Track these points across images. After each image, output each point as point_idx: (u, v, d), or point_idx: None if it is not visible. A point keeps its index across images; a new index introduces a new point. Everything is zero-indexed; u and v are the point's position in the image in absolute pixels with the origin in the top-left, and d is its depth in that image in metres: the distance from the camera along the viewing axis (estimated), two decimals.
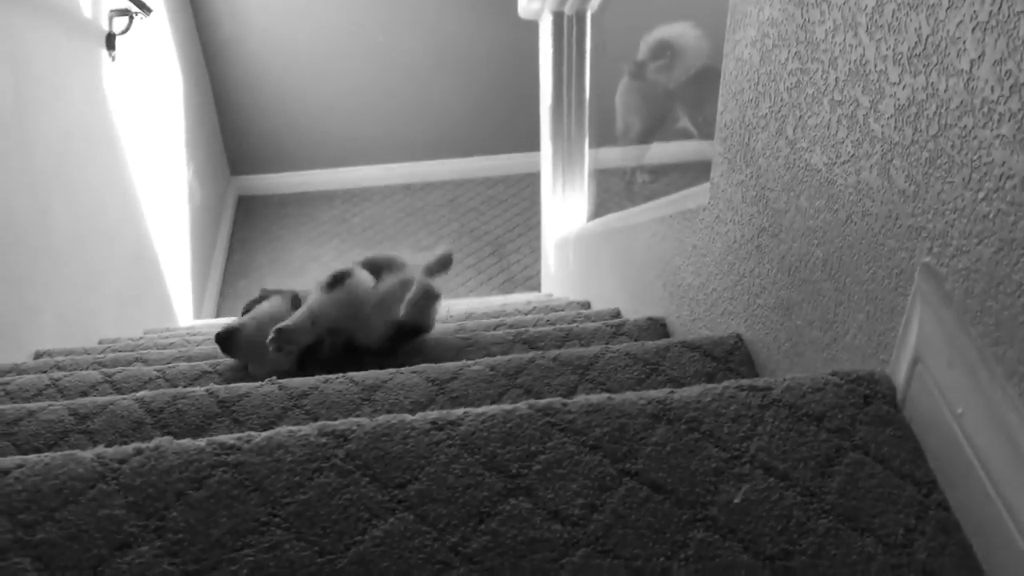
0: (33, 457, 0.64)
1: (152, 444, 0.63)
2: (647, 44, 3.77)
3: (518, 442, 0.64)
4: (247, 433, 0.65)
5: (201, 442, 0.64)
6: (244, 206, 4.66)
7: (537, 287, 3.99)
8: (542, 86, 2.99)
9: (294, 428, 0.66)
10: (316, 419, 0.97)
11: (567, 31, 2.60)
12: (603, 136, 3.31)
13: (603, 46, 2.79)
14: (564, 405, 0.67)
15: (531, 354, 1.05)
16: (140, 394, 1.02)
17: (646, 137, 4.05)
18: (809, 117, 0.85)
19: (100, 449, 0.64)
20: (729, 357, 1.04)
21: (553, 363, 1.03)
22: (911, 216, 0.69)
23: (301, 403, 0.99)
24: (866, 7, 0.74)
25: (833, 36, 0.80)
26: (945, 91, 0.64)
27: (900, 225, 0.71)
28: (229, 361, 1.42)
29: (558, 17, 2.59)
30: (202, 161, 4.02)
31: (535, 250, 4.19)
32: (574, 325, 1.50)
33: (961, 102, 0.62)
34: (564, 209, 2.93)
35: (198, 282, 3.77)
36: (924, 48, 0.67)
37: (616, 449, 0.64)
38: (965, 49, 0.62)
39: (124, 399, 1.01)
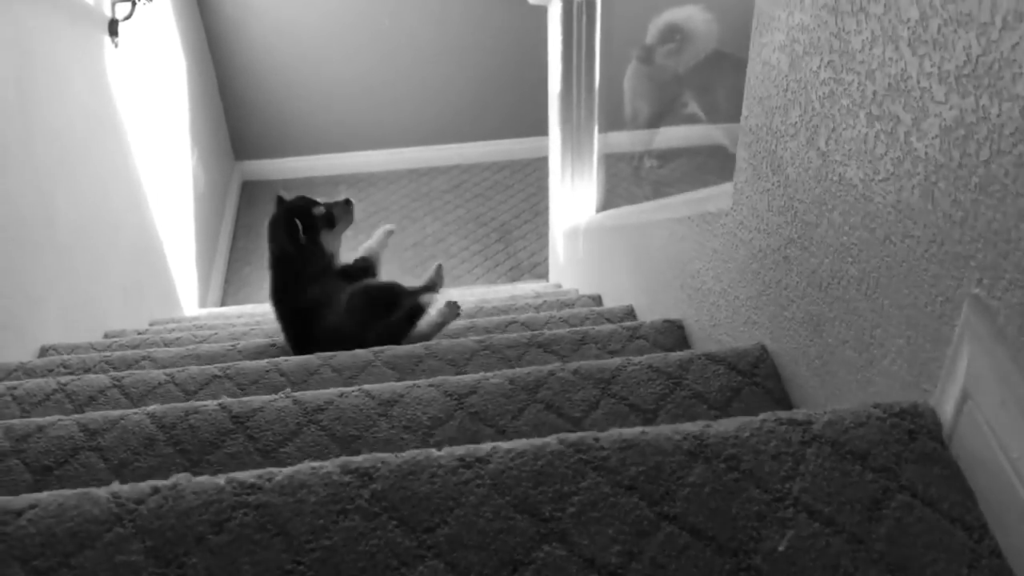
0: (46, 496, 0.61)
1: (170, 482, 0.61)
2: (656, 28, 3.72)
3: (550, 481, 0.62)
4: (268, 470, 0.62)
5: (221, 480, 0.61)
6: (248, 191, 4.63)
7: (544, 275, 3.96)
8: (551, 73, 2.95)
9: (316, 465, 0.63)
10: (333, 436, 0.95)
11: (577, 17, 2.55)
12: (611, 121, 3.27)
13: (613, 32, 2.75)
14: (596, 440, 0.64)
15: (550, 366, 1.03)
16: (151, 408, 0.99)
17: (654, 122, 4.01)
18: (844, 129, 0.81)
19: (116, 487, 0.62)
20: (754, 370, 1.01)
21: (574, 376, 1.01)
22: (958, 243, 0.66)
23: (316, 418, 0.96)
24: (908, 20, 0.71)
25: (871, 48, 0.77)
26: (998, 116, 0.61)
27: (945, 251, 0.68)
28: (240, 364, 1.39)
29: (568, 3, 2.54)
30: (206, 147, 3.99)
31: (541, 236, 4.15)
32: (589, 327, 1.47)
33: (1016, 128, 0.59)
34: (573, 198, 2.89)
35: (203, 270, 3.75)
36: (974, 68, 0.63)
37: (653, 490, 0.61)
38: (1022, 73, 0.58)
39: (135, 413, 0.98)
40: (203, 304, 3.68)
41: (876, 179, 0.76)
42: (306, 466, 0.63)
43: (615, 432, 0.66)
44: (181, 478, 0.61)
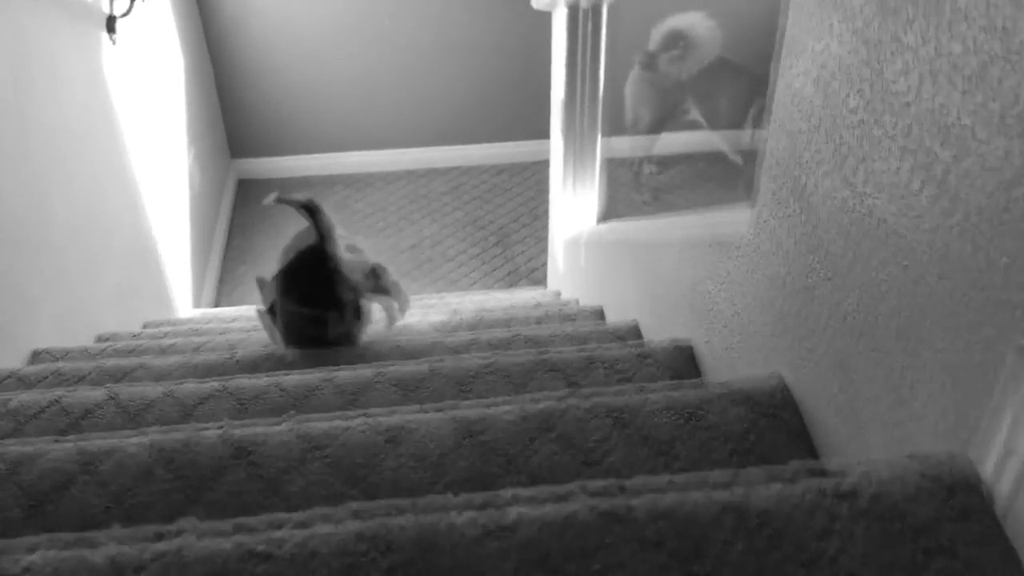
0: (39, 559, 0.58)
1: (175, 546, 0.58)
2: (659, 33, 3.70)
3: (582, 555, 0.58)
4: (278, 535, 0.59)
5: (227, 543, 0.58)
6: (244, 190, 4.59)
7: (542, 280, 3.93)
8: (554, 80, 2.92)
9: (329, 531, 0.59)
10: (338, 471, 0.91)
11: (582, 24, 2.52)
12: (613, 126, 3.24)
13: (618, 39, 2.71)
14: (630, 510, 0.61)
15: (565, 399, 1.00)
16: (150, 437, 0.96)
17: (655, 128, 3.99)
18: (875, 162, 0.78)
19: (115, 549, 0.58)
20: (772, 402, 0.99)
21: (588, 411, 0.98)
22: (1002, 290, 0.63)
23: (321, 452, 0.93)
24: (950, 54, 0.68)
25: (906, 79, 0.74)
26: None
27: (987, 297, 0.65)
28: (237, 382, 1.36)
29: (573, 10, 2.51)
30: (202, 144, 3.95)
31: (540, 241, 4.12)
32: (596, 348, 1.44)
33: None
34: (575, 206, 2.86)
35: (197, 269, 3.71)
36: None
37: (697, 571, 0.58)
38: None
39: (133, 441, 0.95)
40: (197, 304, 3.64)
41: (910, 215, 0.73)
42: (320, 530, 0.60)
43: (648, 498, 0.63)
44: (186, 542, 0.58)
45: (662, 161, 4.35)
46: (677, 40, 3.65)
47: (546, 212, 4.26)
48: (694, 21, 3.60)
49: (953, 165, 0.69)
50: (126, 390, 1.34)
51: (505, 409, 1.01)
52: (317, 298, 1.79)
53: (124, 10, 2.82)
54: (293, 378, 1.37)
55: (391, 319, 1.97)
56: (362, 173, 4.63)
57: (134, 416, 1.29)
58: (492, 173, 4.58)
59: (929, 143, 0.71)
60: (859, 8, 0.81)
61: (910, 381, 0.75)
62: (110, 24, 2.77)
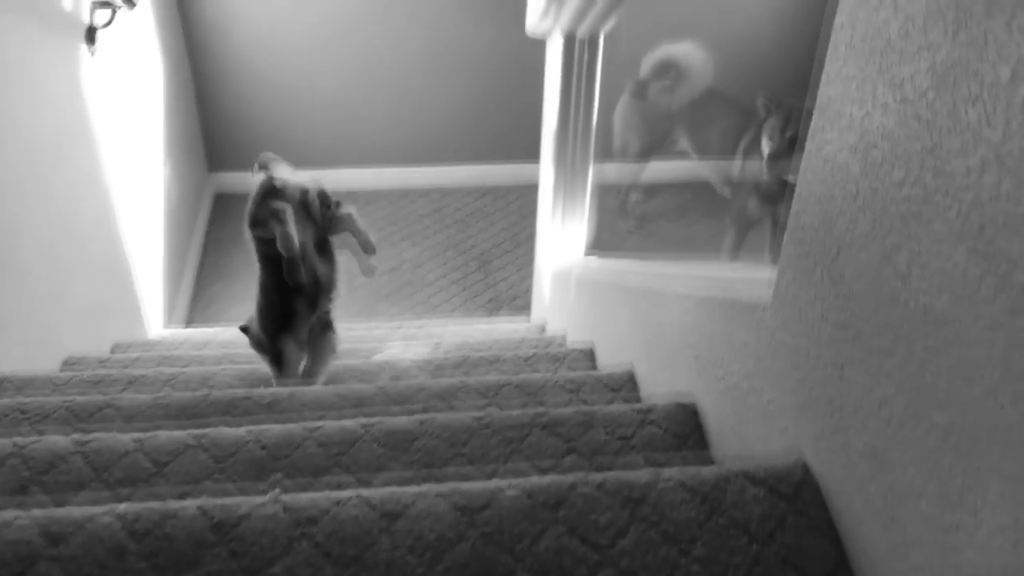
0: None
1: None
2: (651, 62, 3.66)
3: None
4: None
5: None
6: (221, 204, 4.48)
7: (523, 308, 3.86)
8: (546, 108, 2.86)
9: None
10: (328, 555, 0.84)
11: (578, 54, 2.46)
12: (602, 154, 3.19)
13: (614, 69, 2.66)
14: None
15: (571, 478, 0.93)
16: (122, 509, 0.88)
17: (643, 157, 3.94)
18: (933, 257, 0.71)
19: None
20: (798, 495, 0.92)
21: (598, 491, 0.91)
22: None
23: (310, 531, 0.85)
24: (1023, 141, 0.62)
25: (981, 176, 0.66)
26: None
27: None
28: (215, 434, 1.28)
29: (569, 39, 2.45)
30: (180, 157, 3.85)
31: (522, 268, 4.06)
32: (595, 405, 1.38)
33: None
34: (564, 238, 2.80)
35: (170, 286, 3.60)
36: None
37: None
38: None
39: (104, 516, 0.87)
40: (169, 322, 3.53)
41: (979, 325, 0.66)
42: None
43: None
44: None
45: (648, 189, 4.30)
46: (669, 69, 3.61)
47: (529, 238, 4.19)
48: (687, 51, 3.56)
49: (1021, 260, 0.62)
50: (94, 440, 1.25)
51: (508, 484, 0.93)
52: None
53: (105, 20, 2.73)
54: (274, 431, 1.29)
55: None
56: (341, 191, 4.53)
57: (102, 471, 1.21)
58: (475, 196, 4.50)
59: (992, 232, 0.65)
60: (909, 77, 0.75)
61: (971, 506, 0.68)
62: (90, 35, 2.68)
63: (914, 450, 0.76)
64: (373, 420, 1.32)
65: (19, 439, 1.27)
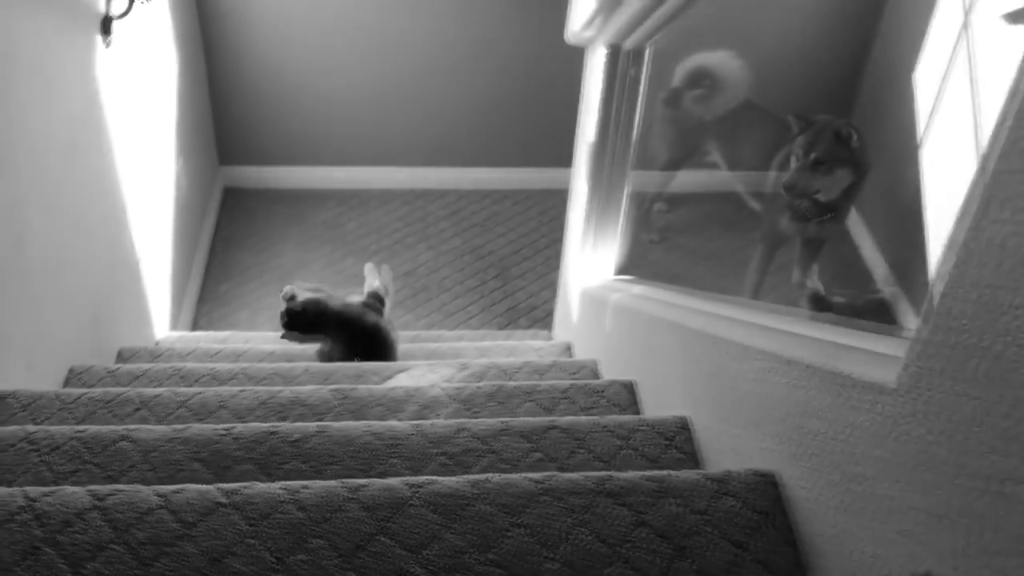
0: None
1: None
2: (684, 70, 3.53)
3: None
4: None
5: None
6: (230, 199, 4.35)
7: (541, 319, 3.74)
8: (582, 120, 2.73)
9: None
10: None
11: (622, 67, 2.34)
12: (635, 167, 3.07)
13: (657, 84, 2.53)
14: None
15: None
16: None
17: (671, 167, 3.82)
18: None
19: None
20: None
21: None
22: None
23: None
24: None
25: None
26: None
27: None
28: (246, 492, 1.15)
29: (614, 51, 2.33)
30: (191, 150, 3.72)
31: (541, 277, 3.93)
32: (666, 473, 1.26)
33: None
34: (595, 257, 2.67)
35: (178, 285, 3.47)
36: None
37: None
38: None
39: None
40: (175, 325, 3.41)
41: None
42: None
43: None
44: None
45: (672, 199, 4.18)
46: (703, 78, 3.48)
47: (547, 245, 4.07)
48: (722, 59, 3.43)
49: None
50: (114, 495, 1.13)
51: None
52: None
53: (122, 10, 2.60)
54: (313, 489, 1.17)
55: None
56: (356, 189, 4.40)
57: (123, 532, 1.09)
58: (493, 199, 4.37)
59: None
60: None
61: None
62: (105, 25, 2.54)
63: None
64: (420, 480, 1.20)
65: (31, 490, 1.15)
